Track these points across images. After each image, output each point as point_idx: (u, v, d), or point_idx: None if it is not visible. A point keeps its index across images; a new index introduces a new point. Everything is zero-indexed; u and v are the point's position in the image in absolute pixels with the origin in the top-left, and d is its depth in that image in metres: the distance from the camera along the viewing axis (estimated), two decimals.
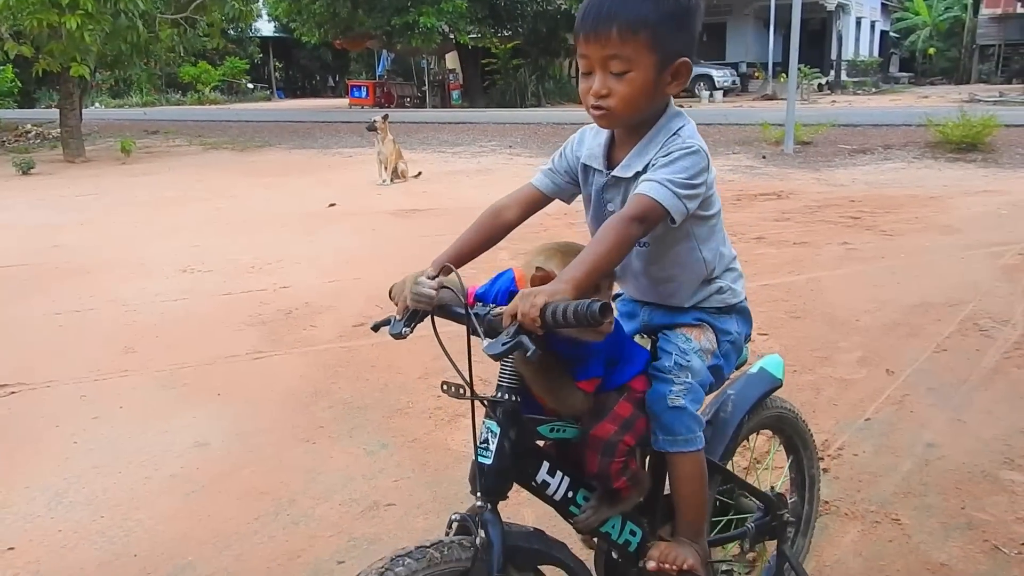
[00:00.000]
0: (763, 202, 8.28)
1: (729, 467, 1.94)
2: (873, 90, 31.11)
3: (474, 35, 26.53)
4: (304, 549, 2.46)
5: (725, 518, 1.97)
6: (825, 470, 2.83)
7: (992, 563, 2.30)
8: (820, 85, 30.67)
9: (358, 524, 2.59)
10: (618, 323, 1.61)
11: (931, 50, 42.03)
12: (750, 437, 2.13)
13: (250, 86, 40.95)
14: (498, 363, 1.46)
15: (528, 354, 1.27)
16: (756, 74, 33.87)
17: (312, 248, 6.63)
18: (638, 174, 1.54)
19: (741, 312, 1.77)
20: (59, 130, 13.96)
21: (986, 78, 36.99)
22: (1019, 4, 33.84)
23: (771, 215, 7.54)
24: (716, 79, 29.70)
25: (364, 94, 28.96)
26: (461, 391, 1.45)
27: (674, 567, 1.65)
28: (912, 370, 3.75)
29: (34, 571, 2.41)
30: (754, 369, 2.02)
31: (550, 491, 1.59)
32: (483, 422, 1.51)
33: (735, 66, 32.86)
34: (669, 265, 1.66)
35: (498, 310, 1.40)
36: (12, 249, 6.80)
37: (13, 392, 3.77)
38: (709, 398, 1.80)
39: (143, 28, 11.69)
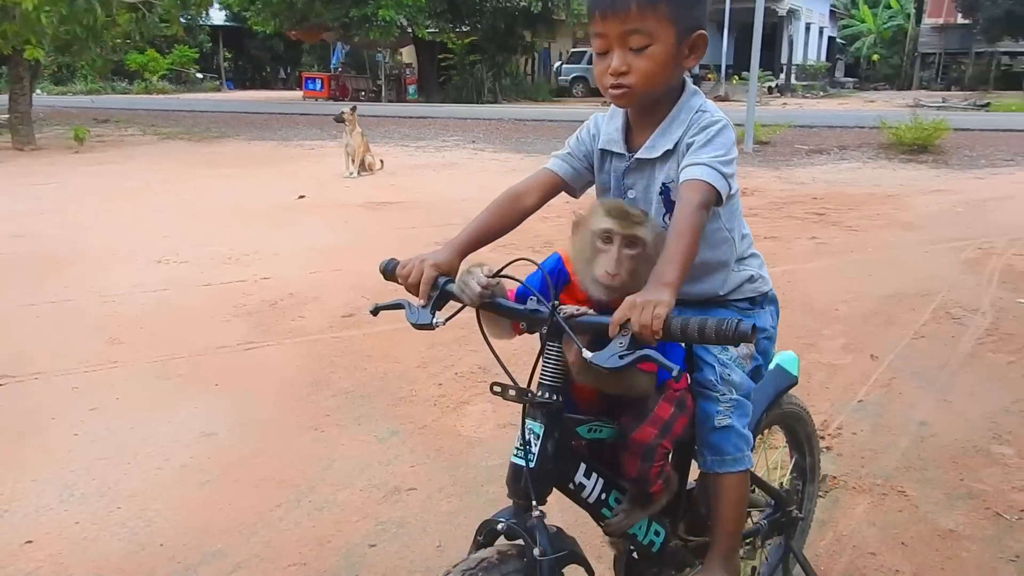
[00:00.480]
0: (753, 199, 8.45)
1: None
2: (821, 94, 31.87)
3: (432, 29, 26.47)
4: (333, 534, 2.48)
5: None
6: (828, 448, 2.96)
7: (996, 528, 2.44)
8: (771, 88, 31.34)
9: (383, 508, 2.61)
10: None
11: (875, 57, 43.27)
12: (764, 433, 2.06)
13: (199, 76, 40.11)
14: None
15: (673, 373, 1.21)
16: (709, 76, 34.45)
17: (287, 240, 6.56)
18: (667, 153, 1.51)
19: (773, 301, 1.72)
20: (7, 116, 13.50)
21: (927, 85, 38.19)
22: (959, 15, 34.94)
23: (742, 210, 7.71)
24: None
25: (319, 86, 28.68)
26: (511, 393, 1.40)
27: None
28: (894, 355, 3.91)
29: (57, 563, 2.37)
30: (771, 366, 1.93)
31: (585, 493, 1.53)
32: (524, 422, 1.43)
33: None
34: (702, 249, 1.47)
35: (587, 315, 1.32)
36: None
37: (1, 385, 3.69)
38: None
39: (101, 11, 11.37)
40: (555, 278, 1.49)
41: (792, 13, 36.61)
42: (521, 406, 1.42)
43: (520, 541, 1.39)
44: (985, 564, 2.29)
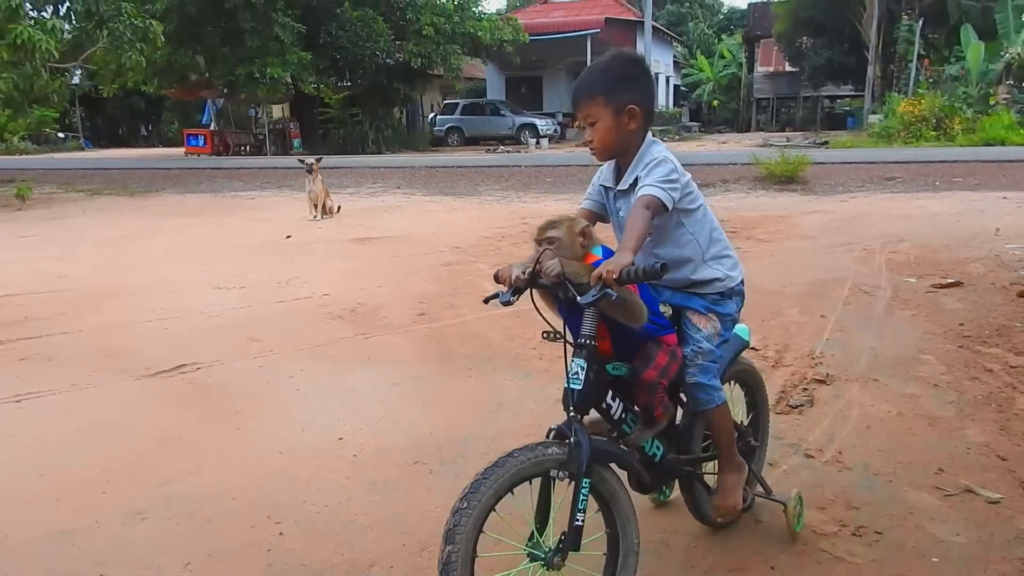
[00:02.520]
0: None
1: None
2: (676, 137, 34.96)
3: (315, 85, 27.49)
4: (540, 425, 3.74)
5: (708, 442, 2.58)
6: (820, 362, 4.48)
7: (937, 392, 4.02)
8: None
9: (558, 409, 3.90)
10: (643, 288, 2.20)
11: (715, 102, 47.60)
12: (731, 384, 2.74)
13: (60, 135, 39.08)
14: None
15: (614, 298, 1.95)
16: (573, 123, 37.09)
17: (311, 268, 7.63)
18: (632, 185, 2.27)
19: (739, 295, 2.44)
20: None
21: (763, 127, 42.54)
22: (787, 64, 39.42)
23: None
24: (540, 128, 32.38)
25: (201, 143, 28.96)
26: (558, 337, 2.17)
27: (735, 506, 2.46)
28: (835, 315, 5.53)
29: (373, 447, 3.54)
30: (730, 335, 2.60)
31: (612, 412, 2.22)
32: (572, 360, 2.12)
33: (552, 116, 35.67)
34: (671, 247, 2.33)
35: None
36: (23, 278, 7.27)
37: (198, 368, 4.70)
38: None
39: (47, 75, 11.92)
40: None
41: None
42: (570, 350, 2.15)
43: (571, 439, 2.07)
44: (933, 408, 3.84)
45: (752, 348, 4.83)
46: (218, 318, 5.88)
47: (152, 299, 6.46)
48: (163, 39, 14.51)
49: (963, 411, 3.78)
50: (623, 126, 2.24)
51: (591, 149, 2.32)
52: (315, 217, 10.94)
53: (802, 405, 3.89)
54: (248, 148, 30.15)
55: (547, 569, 2.06)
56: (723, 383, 2.50)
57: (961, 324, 5.16)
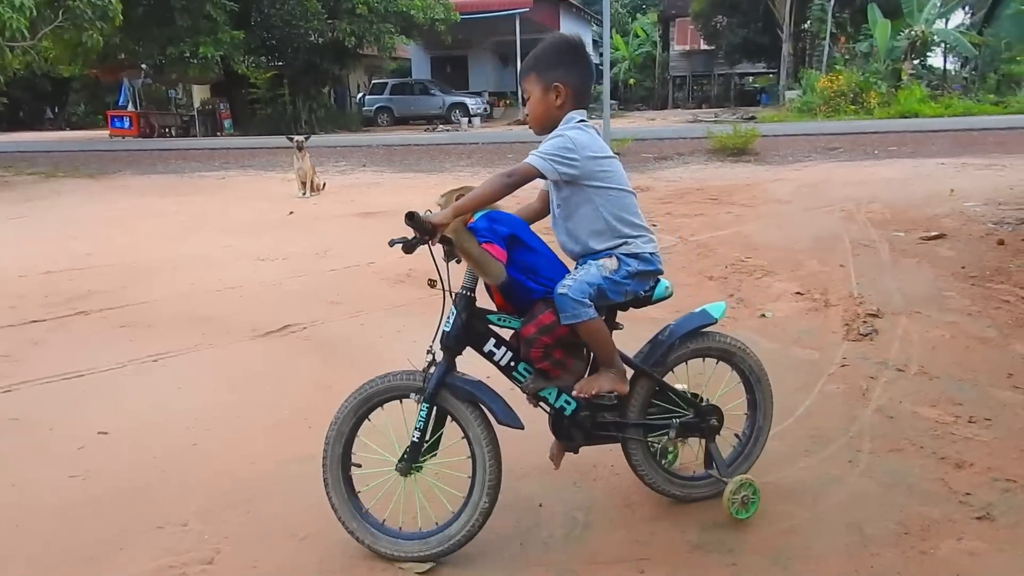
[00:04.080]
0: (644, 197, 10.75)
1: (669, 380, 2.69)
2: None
3: (249, 65, 27.06)
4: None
5: (660, 415, 2.66)
6: (863, 301, 5.16)
7: (969, 313, 4.74)
8: None
9: None
10: (523, 248, 2.42)
11: (631, 81, 48.72)
12: (694, 361, 2.75)
13: None
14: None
15: (413, 241, 2.30)
16: (498, 103, 37.53)
17: (338, 241, 7.90)
18: None
19: (645, 260, 2.46)
20: None
21: (680, 104, 43.88)
22: (703, 42, 40.77)
23: (652, 202, 9.98)
24: (470, 107, 32.70)
25: (127, 124, 28.09)
26: (438, 286, 2.43)
27: (592, 391, 2.46)
28: (852, 264, 6.24)
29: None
30: (697, 309, 2.73)
31: (496, 358, 2.48)
32: (445, 306, 2.46)
33: (480, 95, 35.96)
34: (577, 220, 2.46)
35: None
36: (50, 257, 7.32)
37: (304, 327, 5.04)
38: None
39: (10, 54, 11.62)
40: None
41: None
42: (449, 297, 2.44)
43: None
44: (977, 331, 4.55)
45: (797, 292, 5.51)
46: (283, 286, 6.17)
47: (200, 272, 6.66)
48: (122, 17, 14.21)
49: (1003, 332, 4.51)
50: (551, 102, 2.40)
51: (528, 123, 2.52)
52: (304, 194, 11.12)
53: (869, 333, 4.54)
54: (174, 130, 29.45)
55: (401, 475, 2.50)
56: (689, 358, 2.68)
57: (963, 267, 5.94)
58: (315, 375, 4.22)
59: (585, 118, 2.43)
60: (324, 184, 11.59)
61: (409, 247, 2.32)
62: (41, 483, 3.10)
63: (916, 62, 27.13)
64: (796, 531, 2.61)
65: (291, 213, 9.73)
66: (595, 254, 2.45)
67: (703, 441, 2.76)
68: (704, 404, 2.71)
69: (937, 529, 2.58)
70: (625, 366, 2.56)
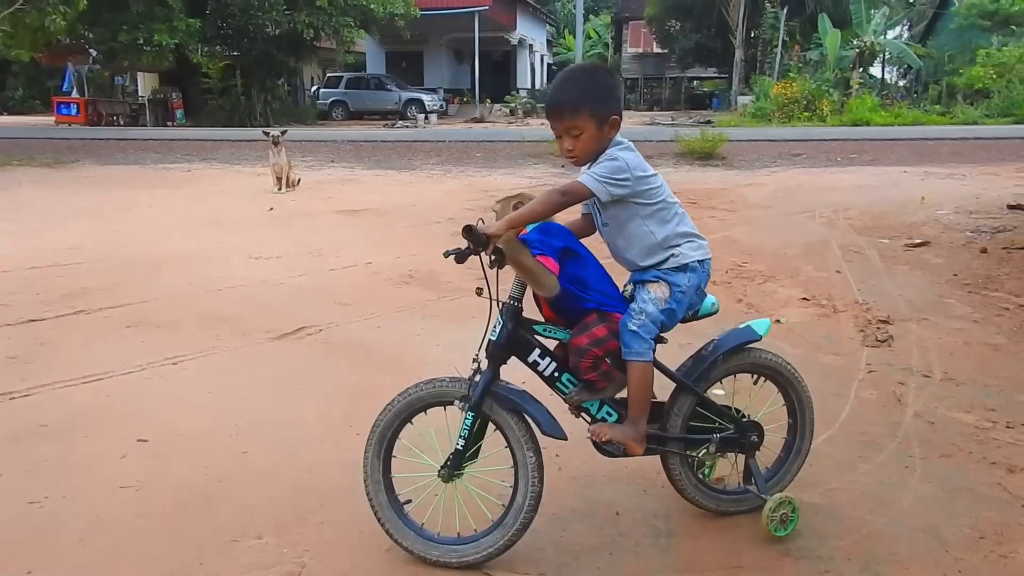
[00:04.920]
0: None
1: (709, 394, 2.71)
2: None
3: (205, 54, 26.46)
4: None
5: (703, 427, 2.67)
6: (869, 307, 5.29)
7: (1009, 321, 4.90)
8: (512, 110, 34.76)
9: None
10: (575, 260, 2.43)
11: None
12: (740, 376, 2.78)
13: None
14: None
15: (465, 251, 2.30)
16: (453, 100, 37.39)
17: (329, 239, 7.78)
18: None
19: (693, 270, 2.47)
20: None
21: (633, 106, 44.27)
22: (656, 45, 41.26)
23: None
24: (426, 103, 32.54)
25: (74, 111, 27.24)
26: (484, 294, 2.39)
27: (604, 437, 2.48)
28: (847, 270, 6.40)
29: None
30: (742, 325, 2.72)
31: (540, 369, 2.48)
32: (492, 315, 2.44)
33: (435, 91, 35.78)
34: (627, 234, 2.48)
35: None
36: (30, 251, 7.05)
37: (320, 329, 4.96)
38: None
39: None
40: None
41: (522, 42, 40.92)
42: (496, 306, 2.43)
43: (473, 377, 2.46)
44: (987, 338, 4.71)
45: (803, 298, 5.63)
46: (285, 286, 6.06)
47: (195, 269, 6.51)
48: (85, 1, 13.71)
49: (1011, 339, 4.68)
50: (605, 135, 2.39)
51: (569, 157, 2.45)
52: (280, 189, 10.92)
53: (886, 340, 4.66)
54: (122, 119, 28.64)
55: (443, 481, 2.52)
56: (733, 373, 2.71)
57: (955, 275, 6.14)
58: (346, 380, 4.15)
59: (627, 141, 2.45)
60: (299, 180, 11.41)
61: (462, 257, 2.33)
62: (91, 495, 2.99)
63: (860, 70, 27.87)
64: (877, 536, 2.67)
65: (271, 209, 9.56)
66: (645, 271, 2.50)
67: (741, 456, 2.77)
68: (745, 420, 2.71)
69: (1011, 533, 2.67)
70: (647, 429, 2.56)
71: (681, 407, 2.62)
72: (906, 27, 38.17)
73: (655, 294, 2.44)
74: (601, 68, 2.55)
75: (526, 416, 2.44)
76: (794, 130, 20.04)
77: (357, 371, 4.28)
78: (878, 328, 4.88)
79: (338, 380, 4.16)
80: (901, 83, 36.80)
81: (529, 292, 2.44)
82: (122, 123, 28.09)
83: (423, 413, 2.55)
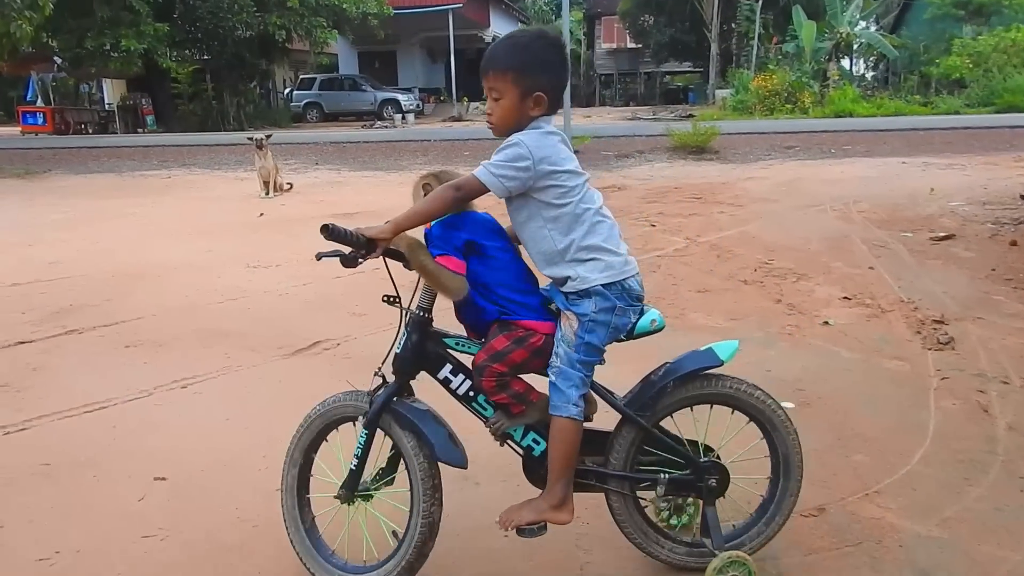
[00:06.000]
0: (613, 192, 10.52)
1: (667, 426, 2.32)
2: None
3: (174, 59, 25.83)
4: None
5: (651, 466, 2.30)
6: (917, 307, 5.00)
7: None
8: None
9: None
10: (479, 258, 2.13)
11: None
12: (701, 408, 2.33)
13: None
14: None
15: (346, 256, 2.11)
16: (429, 99, 36.94)
17: (322, 245, 7.37)
18: None
19: (598, 294, 2.09)
20: None
21: (609, 101, 44.14)
22: (629, 40, 41.10)
23: (635, 201, 9.77)
24: (403, 103, 32.07)
25: (40, 120, 26.48)
26: (394, 302, 2.24)
27: (513, 523, 2.17)
28: (880, 266, 6.12)
29: None
30: (702, 348, 2.29)
31: (452, 386, 2.23)
32: (401, 326, 2.25)
33: (411, 91, 35.29)
34: (527, 235, 2.15)
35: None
36: (8, 266, 6.59)
37: (338, 343, 4.59)
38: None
39: None
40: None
41: (495, 39, 40.50)
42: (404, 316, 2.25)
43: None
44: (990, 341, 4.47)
45: (844, 297, 5.33)
46: (292, 296, 5.68)
47: (190, 281, 6.10)
48: (52, 6, 13.18)
49: None
50: (526, 109, 2.09)
51: (489, 123, 2.16)
52: (267, 194, 10.49)
53: (949, 342, 4.37)
54: (91, 126, 27.91)
55: (342, 502, 2.35)
56: (690, 405, 2.30)
57: (993, 270, 5.88)
58: None
59: (552, 127, 2.12)
60: (291, 186, 10.96)
61: (348, 261, 2.10)
62: (109, 547, 2.60)
63: (836, 62, 27.87)
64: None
65: (262, 215, 9.14)
66: (551, 285, 2.19)
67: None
68: (704, 460, 2.28)
69: None
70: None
71: (625, 440, 2.26)
72: (872, 20, 38.28)
73: (564, 331, 2.12)
74: (546, 38, 2.14)
75: (421, 436, 2.21)
76: (781, 122, 19.85)
77: None
78: (934, 328, 4.59)
79: None
80: (870, 75, 37.00)
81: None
82: (91, 131, 27.39)
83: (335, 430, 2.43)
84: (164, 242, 7.65)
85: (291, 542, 2.41)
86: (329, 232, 1.98)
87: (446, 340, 2.26)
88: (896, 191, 9.64)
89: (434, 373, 2.26)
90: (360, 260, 2.10)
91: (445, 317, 2.30)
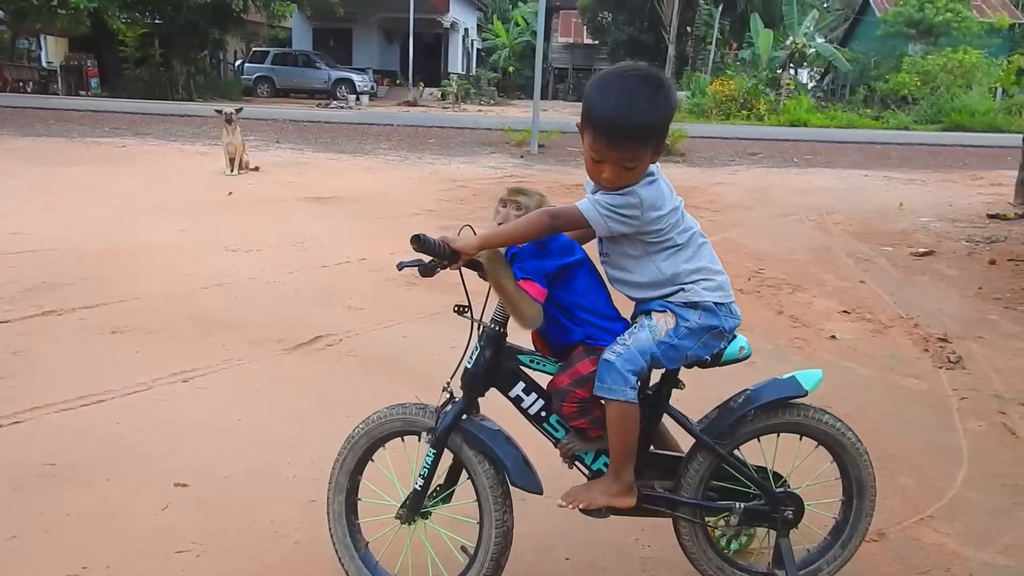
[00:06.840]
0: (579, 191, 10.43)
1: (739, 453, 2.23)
2: (492, 102, 35.39)
3: (124, 20, 24.82)
4: None
5: (720, 493, 2.21)
6: (917, 324, 5.05)
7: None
8: (444, 95, 34.01)
9: None
10: (569, 280, 2.05)
11: (511, 68, 48.56)
12: (778, 435, 2.26)
13: None
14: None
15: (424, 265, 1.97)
16: (382, 81, 36.32)
17: (301, 229, 7.11)
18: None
19: (706, 309, 2.02)
20: None
21: (563, 96, 44.15)
22: (587, 36, 41.13)
23: None
24: (357, 84, 31.50)
25: None
26: (464, 312, 2.10)
27: (581, 505, 2.09)
28: (868, 279, 6.18)
29: None
30: (785, 376, 2.22)
31: (524, 405, 2.13)
32: (471, 340, 2.12)
33: (365, 72, 34.63)
34: (629, 265, 2.04)
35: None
36: None
37: (340, 339, 4.38)
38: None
39: None
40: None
41: (455, 25, 40.12)
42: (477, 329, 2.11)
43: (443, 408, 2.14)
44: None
45: (844, 311, 5.35)
46: (281, 285, 5.44)
47: (169, 263, 5.81)
48: None
49: None
50: (642, 171, 1.94)
51: (602, 183, 1.95)
52: (232, 171, 10.09)
53: (958, 362, 4.40)
54: (30, 85, 26.67)
55: (402, 523, 2.21)
56: (769, 433, 2.24)
57: (980, 288, 5.99)
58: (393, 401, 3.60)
59: (657, 170, 2.01)
60: (257, 168, 10.55)
61: (427, 271, 1.99)
62: (142, 563, 2.40)
63: (791, 71, 28.38)
64: None
65: (230, 194, 8.79)
66: (648, 302, 2.07)
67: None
68: (780, 491, 2.21)
69: None
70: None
71: (699, 467, 2.18)
72: (822, 34, 39.03)
73: (656, 323, 2.02)
74: (666, 78, 1.96)
75: (496, 461, 2.09)
76: (742, 128, 20.12)
77: (399, 389, 3.72)
78: (940, 347, 4.63)
79: (386, 401, 3.60)
80: (812, 85, 37.73)
81: None
82: (29, 90, 26.18)
83: (400, 439, 2.27)
84: (134, 217, 7.28)
85: (346, 573, 2.27)
86: (420, 243, 1.85)
87: (520, 357, 2.14)
88: (866, 204, 9.81)
89: (505, 391, 2.15)
90: (439, 270, 1.99)
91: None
